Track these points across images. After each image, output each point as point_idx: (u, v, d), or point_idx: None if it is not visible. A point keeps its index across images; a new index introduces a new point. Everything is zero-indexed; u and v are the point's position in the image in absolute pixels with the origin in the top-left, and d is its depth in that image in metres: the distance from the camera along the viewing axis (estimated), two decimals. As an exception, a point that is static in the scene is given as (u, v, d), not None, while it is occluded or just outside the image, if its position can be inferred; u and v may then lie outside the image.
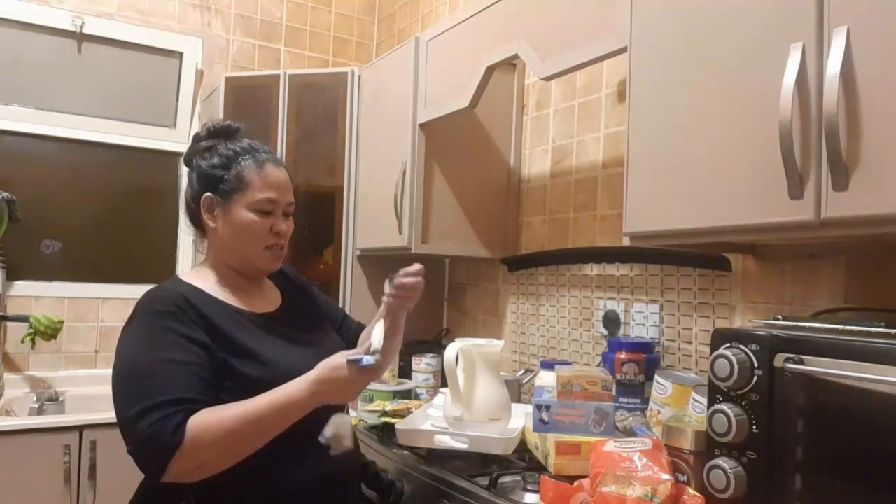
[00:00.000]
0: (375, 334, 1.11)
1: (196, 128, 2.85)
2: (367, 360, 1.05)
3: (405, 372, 2.10)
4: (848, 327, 0.99)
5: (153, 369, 1.05)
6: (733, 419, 1.00)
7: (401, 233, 2.04)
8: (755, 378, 0.99)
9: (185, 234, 2.84)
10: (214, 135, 1.27)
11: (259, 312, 1.26)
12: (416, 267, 1.20)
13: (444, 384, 1.66)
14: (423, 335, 2.34)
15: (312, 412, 1.09)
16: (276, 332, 1.24)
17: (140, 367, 1.07)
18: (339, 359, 1.07)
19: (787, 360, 0.96)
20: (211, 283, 1.24)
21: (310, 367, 1.09)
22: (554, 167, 2.05)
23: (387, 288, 1.19)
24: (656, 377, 1.42)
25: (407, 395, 1.93)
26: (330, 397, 1.09)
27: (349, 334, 1.47)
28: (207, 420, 1.02)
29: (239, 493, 1.11)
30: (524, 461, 1.44)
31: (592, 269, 1.89)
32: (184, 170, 2.95)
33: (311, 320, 1.37)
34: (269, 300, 1.32)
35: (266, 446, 1.07)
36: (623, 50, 1.33)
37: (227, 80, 2.54)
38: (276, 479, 1.14)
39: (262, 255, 1.24)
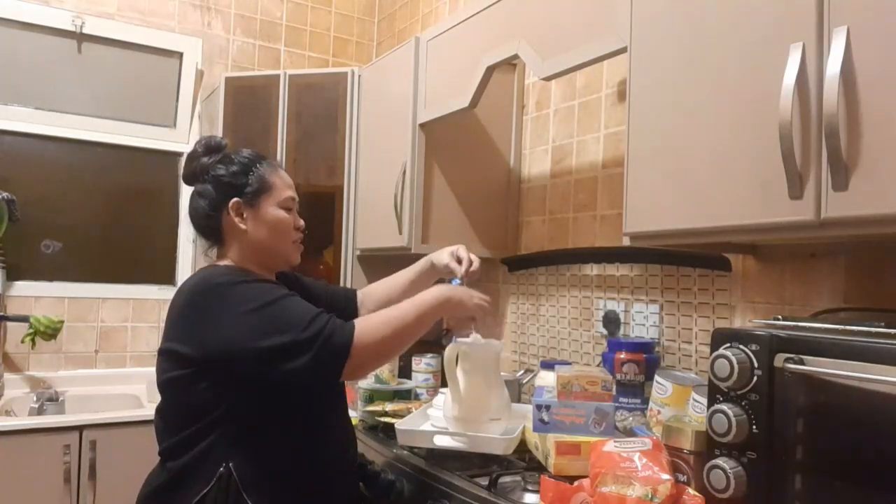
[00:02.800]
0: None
1: (196, 128, 2.86)
2: (456, 280, 1.48)
3: (405, 372, 2.09)
4: (848, 327, 0.99)
5: (285, 303, 1.19)
6: (733, 419, 1.00)
7: (401, 233, 2.04)
8: (755, 378, 0.99)
9: (186, 234, 2.84)
10: (211, 150, 1.36)
11: None
12: (465, 258, 1.50)
13: (444, 384, 1.66)
14: (423, 335, 2.33)
15: (325, 420, 1.28)
16: None
17: (273, 307, 1.18)
18: (446, 284, 1.42)
19: (787, 360, 0.96)
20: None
21: None
22: (554, 167, 2.05)
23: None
24: (656, 377, 1.42)
25: (407, 395, 1.93)
26: (448, 307, 1.35)
27: (338, 299, 1.59)
28: (365, 318, 1.23)
29: (261, 473, 1.21)
30: (524, 461, 1.44)
31: (592, 269, 1.89)
32: (184, 169, 2.92)
33: None
34: None
35: (290, 437, 1.24)
36: (623, 50, 1.33)
37: (227, 80, 2.54)
38: (297, 467, 1.25)
39: (291, 249, 1.37)
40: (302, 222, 1.39)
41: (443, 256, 1.52)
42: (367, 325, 1.19)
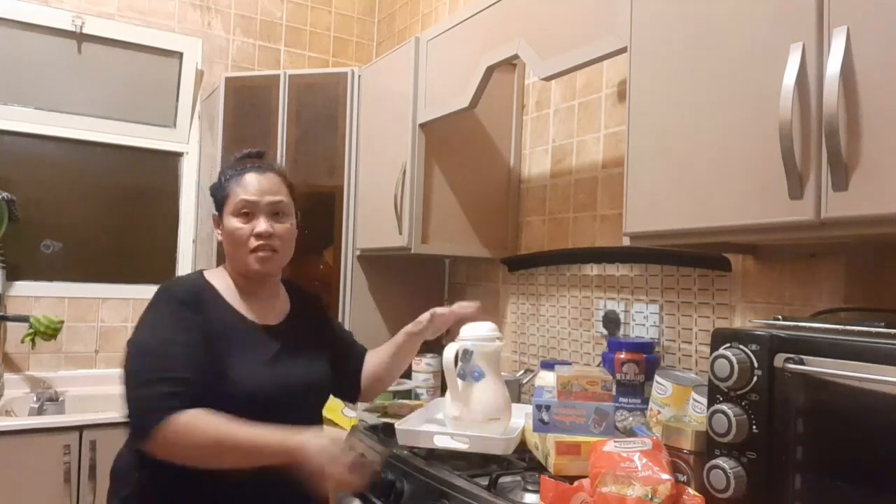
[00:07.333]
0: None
1: (196, 127, 2.86)
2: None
3: (405, 372, 2.09)
4: (848, 327, 0.99)
5: (164, 350, 1.19)
6: (733, 419, 1.00)
7: (401, 233, 2.04)
8: (755, 378, 0.99)
9: (186, 234, 2.84)
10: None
11: (260, 323, 1.34)
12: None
13: (444, 384, 1.66)
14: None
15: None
16: (266, 345, 1.32)
17: (150, 345, 1.21)
18: (325, 442, 1.13)
19: (787, 360, 0.96)
20: (225, 285, 1.35)
21: (278, 389, 1.26)
22: (554, 167, 2.05)
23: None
24: (656, 377, 1.42)
25: (407, 395, 1.93)
26: (289, 460, 1.11)
27: (355, 358, 1.56)
28: (195, 423, 1.13)
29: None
30: (524, 461, 1.44)
31: (592, 269, 1.89)
32: (184, 169, 2.96)
33: (312, 342, 1.42)
34: (277, 311, 1.39)
35: None
36: (623, 50, 1.33)
37: (227, 80, 2.54)
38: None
39: (249, 259, 1.32)
40: (264, 227, 1.29)
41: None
42: (185, 429, 1.11)
